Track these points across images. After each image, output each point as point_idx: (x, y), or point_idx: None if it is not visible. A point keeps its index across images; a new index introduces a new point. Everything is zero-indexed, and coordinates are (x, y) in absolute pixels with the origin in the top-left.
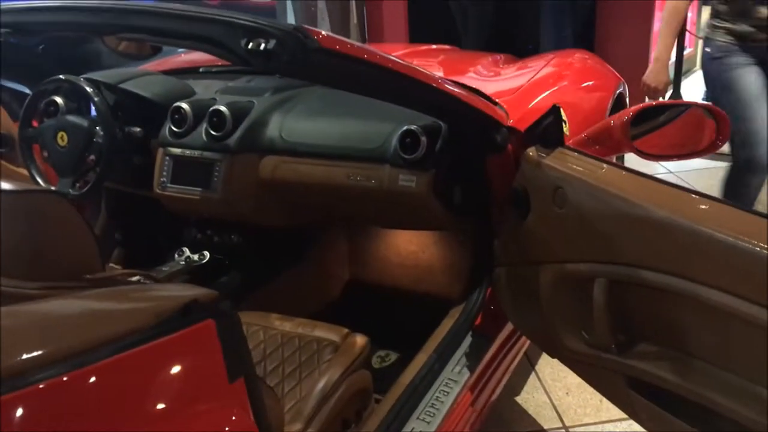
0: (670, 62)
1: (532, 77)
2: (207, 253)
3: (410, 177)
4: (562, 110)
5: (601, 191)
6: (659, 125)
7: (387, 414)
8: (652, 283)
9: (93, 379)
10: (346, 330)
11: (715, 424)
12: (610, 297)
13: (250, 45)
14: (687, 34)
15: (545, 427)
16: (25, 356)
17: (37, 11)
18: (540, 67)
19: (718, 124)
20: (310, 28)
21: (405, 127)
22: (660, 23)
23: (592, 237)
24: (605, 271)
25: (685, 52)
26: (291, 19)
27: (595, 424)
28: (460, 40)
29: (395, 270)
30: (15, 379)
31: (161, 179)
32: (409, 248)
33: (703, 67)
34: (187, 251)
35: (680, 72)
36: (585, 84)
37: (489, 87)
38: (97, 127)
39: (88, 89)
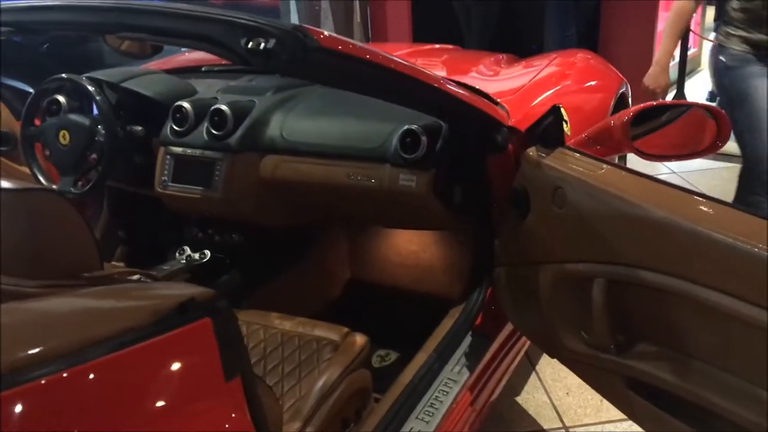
0: (673, 63)
1: (534, 77)
2: (208, 252)
3: (410, 176)
4: (563, 110)
5: (601, 191)
6: (660, 125)
7: (386, 413)
8: (651, 283)
9: (90, 376)
10: (345, 329)
11: (713, 425)
12: (609, 297)
13: (250, 44)
14: (691, 34)
15: (545, 427)
16: (23, 353)
17: (38, 10)
18: (542, 66)
19: (719, 124)
20: (310, 27)
21: (405, 127)
22: (663, 23)
23: (591, 237)
24: (604, 271)
25: (689, 53)
26: (294, 19)
27: (595, 424)
28: (464, 40)
29: (396, 269)
30: (14, 375)
31: (162, 178)
32: (410, 248)
33: (717, 76)
34: (188, 250)
35: (684, 72)
36: (587, 84)
37: (491, 86)
38: (99, 126)
39: (90, 88)
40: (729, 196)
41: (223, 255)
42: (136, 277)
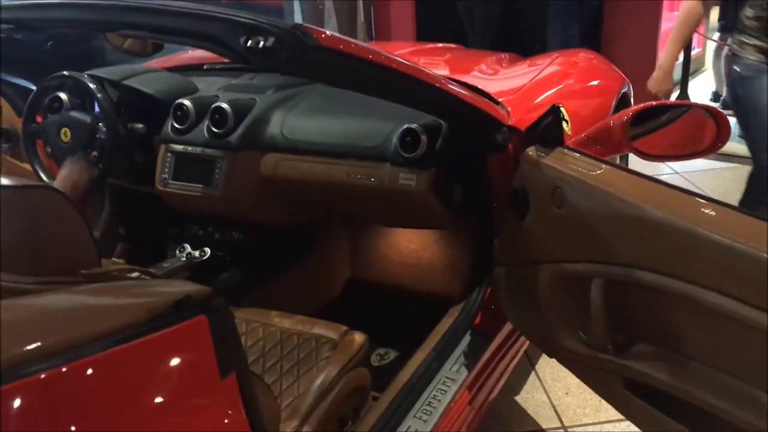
0: (677, 63)
1: (536, 76)
2: (208, 250)
3: (410, 175)
4: (563, 109)
5: (599, 191)
6: (660, 126)
7: (384, 411)
8: (649, 283)
9: (86, 372)
10: (344, 327)
11: (709, 426)
12: (607, 297)
13: (249, 43)
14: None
15: (544, 427)
16: (22, 349)
17: (38, 7)
18: (544, 66)
19: (719, 125)
20: (310, 26)
21: (405, 126)
22: (667, 23)
23: (590, 237)
24: (603, 271)
25: (693, 53)
26: (298, 18)
27: (594, 424)
28: (467, 39)
29: (396, 268)
30: (13, 371)
31: (163, 176)
32: (410, 247)
33: (731, 86)
34: (188, 248)
35: (687, 72)
36: (589, 83)
37: (492, 85)
38: (100, 124)
39: (92, 86)
40: (731, 196)
41: (224, 253)
42: (135, 274)
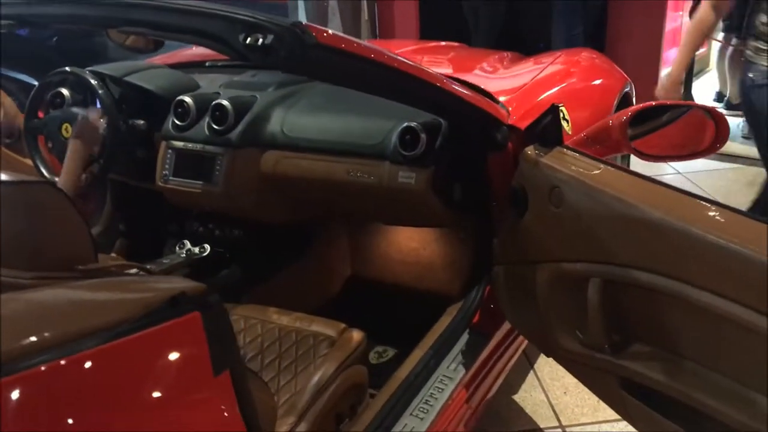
0: None
1: (538, 75)
2: (208, 247)
3: (409, 174)
4: (564, 109)
5: (597, 191)
6: (660, 126)
7: (380, 409)
8: (646, 284)
9: (81, 366)
10: (342, 325)
11: (705, 427)
12: (604, 297)
13: (248, 40)
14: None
15: (542, 426)
16: (19, 343)
17: (38, 4)
18: (546, 64)
19: (718, 126)
20: (309, 24)
21: (405, 124)
22: (671, 23)
23: (587, 237)
24: (600, 271)
25: (697, 53)
26: (302, 17)
27: (591, 424)
28: (471, 38)
29: (396, 267)
30: (10, 364)
31: (163, 172)
32: (411, 245)
33: (744, 92)
34: (188, 244)
35: (692, 73)
36: (591, 83)
37: (494, 84)
38: (102, 120)
39: (93, 82)
40: (734, 197)
41: (224, 250)
42: (134, 270)
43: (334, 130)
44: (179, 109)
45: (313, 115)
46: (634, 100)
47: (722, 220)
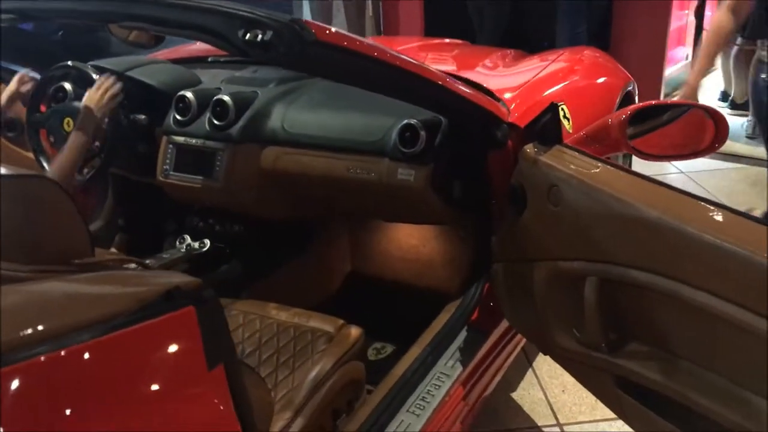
0: (686, 62)
1: (540, 72)
2: (208, 242)
3: (409, 171)
4: (565, 107)
5: (596, 190)
6: (659, 125)
7: (377, 405)
8: (642, 283)
9: (80, 357)
10: (341, 321)
11: (699, 426)
12: (601, 296)
13: (248, 36)
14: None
15: (540, 424)
16: (18, 334)
17: None
18: (548, 62)
19: (717, 125)
20: (308, 20)
21: (405, 121)
22: (676, 22)
23: (585, 236)
24: (597, 269)
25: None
26: (307, 13)
27: (590, 422)
28: (475, 37)
29: (396, 263)
30: (10, 354)
31: (164, 167)
32: (410, 242)
33: (756, 93)
34: (188, 239)
35: None
36: (593, 80)
37: (496, 81)
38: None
39: (95, 76)
40: (736, 197)
41: (224, 245)
42: (132, 266)
43: (334, 127)
44: (180, 105)
45: (313, 111)
46: (636, 98)
47: (719, 220)
